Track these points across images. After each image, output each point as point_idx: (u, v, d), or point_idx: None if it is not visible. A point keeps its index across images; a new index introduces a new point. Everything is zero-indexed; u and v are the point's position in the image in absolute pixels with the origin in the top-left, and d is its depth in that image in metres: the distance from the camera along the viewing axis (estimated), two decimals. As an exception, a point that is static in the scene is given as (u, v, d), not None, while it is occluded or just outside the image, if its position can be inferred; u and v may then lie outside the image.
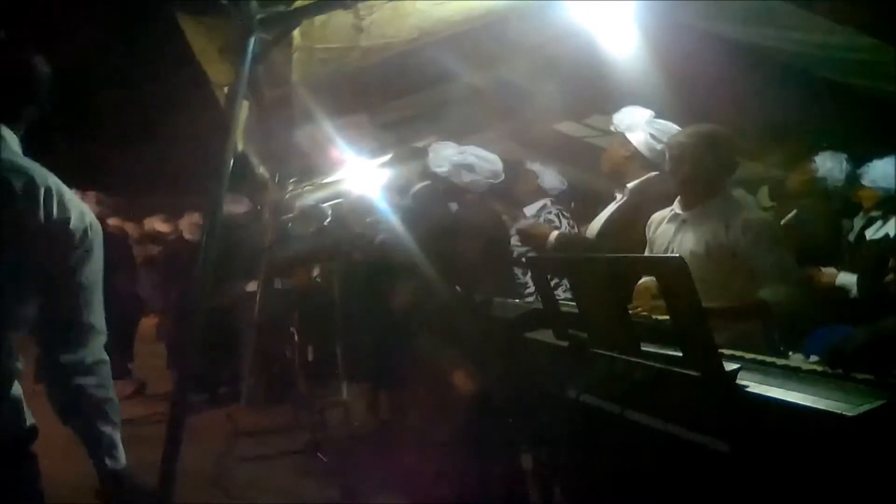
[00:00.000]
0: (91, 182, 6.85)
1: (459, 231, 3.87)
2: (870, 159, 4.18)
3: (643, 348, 1.93)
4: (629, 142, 3.45)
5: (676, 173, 2.90)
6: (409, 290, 3.88)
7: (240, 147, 3.32)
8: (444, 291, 3.50)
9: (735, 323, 2.65)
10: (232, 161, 2.72)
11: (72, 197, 1.78)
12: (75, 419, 1.86)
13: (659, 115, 3.52)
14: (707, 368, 1.66)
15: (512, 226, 4.49)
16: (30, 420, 1.86)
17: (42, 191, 1.70)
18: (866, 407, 1.42)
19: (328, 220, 6.87)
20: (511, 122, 5.61)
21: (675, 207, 2.97)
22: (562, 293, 3.53)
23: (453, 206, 4.16)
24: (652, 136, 3.40)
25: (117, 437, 1.91)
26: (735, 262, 2.73)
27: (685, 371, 1.72)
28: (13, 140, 1.78)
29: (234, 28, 2.75)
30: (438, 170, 4.07)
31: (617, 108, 3.58)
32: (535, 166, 4.66)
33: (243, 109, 2.96)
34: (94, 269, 1.82)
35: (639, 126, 3.43)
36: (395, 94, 4.35)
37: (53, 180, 1.74)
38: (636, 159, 3.45)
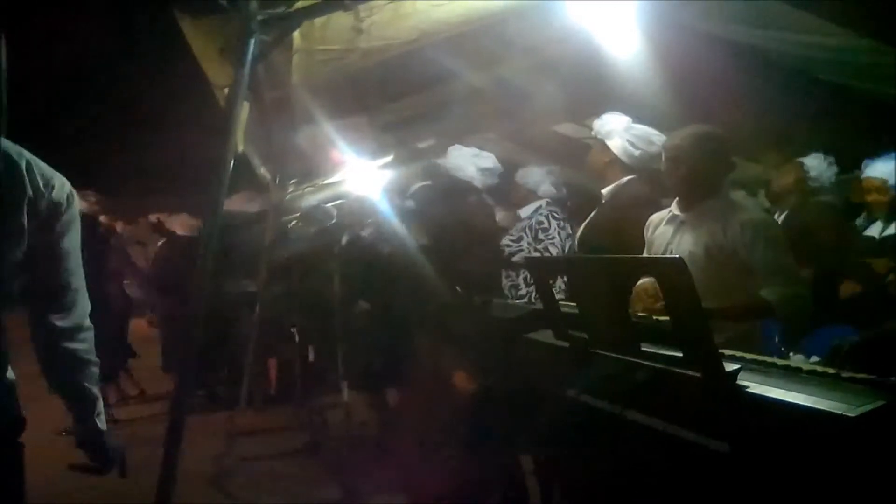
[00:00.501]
0: (89, 182, 6.84)
1: (460, 231, 3.88)
2: (869, 160, 4.19)
3: (643, 349, 1.93)
4: (608, 148, 3.50)
5: (673, 175, 2.91)
6: (409, 290, 3.88)
7: (240, 148, 3.32)
8: (444, 292, 3.50)
9: (735, 323, 2.65)
10: (232, 162, 2.73)
11: (48, 168, 1.83)
12: (65, 380, 1.95)
13: (658, 117, 3.54)
14: (707, 369, 1.66)
15: (505, 227, 4.51)
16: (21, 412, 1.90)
17: (24, 165, 1.76)
18: (867, 407, 1.42)
19: (333, 220, 6.87)
20: (510, 122, 5.62)
21: (674, 209, 2.98)
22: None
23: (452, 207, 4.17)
24: (629, 142, 3.45)
25: (100, 400, 2.03)
26: (734, 263, 2.73)
27: (685, 371, 1.72)
28: None
29: (234, 29, 2.75)
30: (461, 173, 4.13)
31: (616, 110, 3.59)
32: (531, 171, 4.65)
33: (243, 110, 2.95)
34: (76, 235, 1.89)
35: (616, 133, 3.48)
36: (395, 95, 4.35)
37: (28, 154, 1.80)
38: (616, 165, 3.51)
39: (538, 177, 4.56)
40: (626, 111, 3.63)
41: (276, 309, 6.30)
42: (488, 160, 4.25)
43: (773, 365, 1.88)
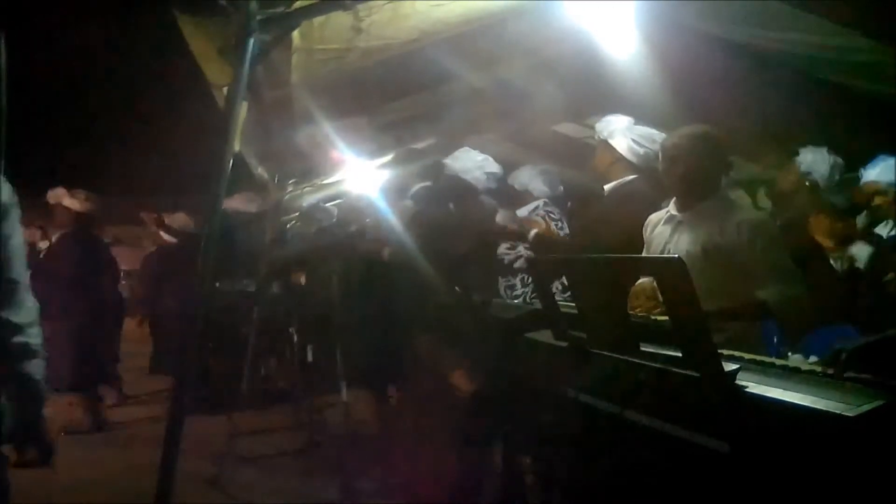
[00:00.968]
0: (84, 182, 6.84)
1: (459, 232, 3.89)
2: (869, 160, 4.19)
3: (642, 348, 1.93)
4: (613, 148, 3.52)
5: (670, 175, 2.91)
6: (408, 290, 3.89)
7: (237, 148, 3.32)
8: (443, 292, 3.51)
9: (733, 323, 2.65)
10: (231, 162, 2.73)
11: None
12: (15, 372, 1.98)
13: (658, 117, 3.54)
14: (706, 369, 1.66)
15: (504, 227, 4.51)
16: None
17: None
18: (865, 407, 1.42)
19: (332, 220, 6.88)
20: (510, 123, 5.61)
21: (672, 209, 2.98)
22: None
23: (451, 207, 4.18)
24: (634, 140, 3.47)
25: (45, 393, 2.08)
26: (732, 263, 2.73)
27: (684, 371, 1.72)
28: None
29: (234, 29, 2.75)
30: (467, 175, 4.15)
31: (616, 110, 3.60)
32: (522, 171, 4.65)
33: (242, 110, 2.95)
34: (19, 237, 1.98)
35: (620, 132, 3.49)
36: (395, 95, 4.35)
37: None
38: (621, 164, 3.52)
39: (528, 176, 4.56)
40: (625, 111, 3.65)
41: (275, 308, 6.31)
42: (493, 165, 4.29)
43: (772, 365, 1.89)
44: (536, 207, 4.46)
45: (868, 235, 4.14)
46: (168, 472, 2.60)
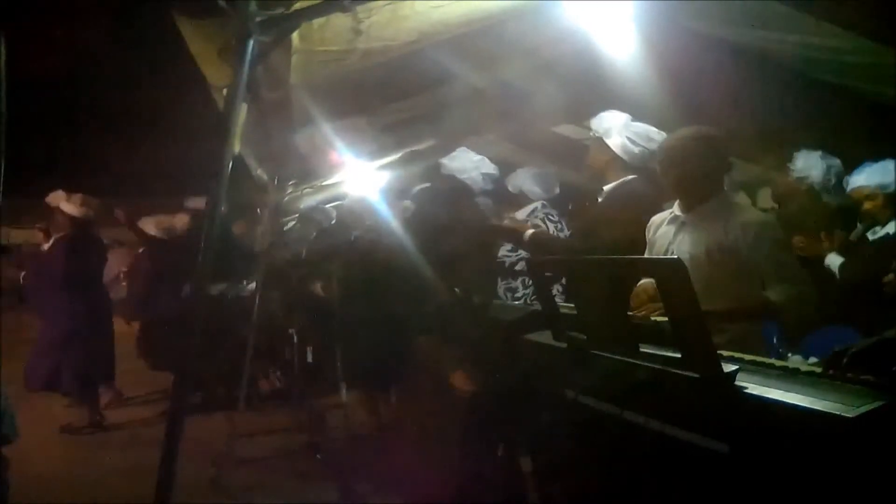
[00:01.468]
0: (87, 184, 6.84)
1: (457, 232, 3.89)
2: (868, 161, 4.19)
3: (642, 349, 1.93)
4: (608, 146, 3.50)
5: (669, 177, 2.91)
6: (408, 291, 3.89)
7: (236, 149, 3.32)
8: (442, 293, 3.51)
9: (737, 324, 2.65)
10: (231, 163, 2.73)
11: None
12: None
13: (658, 117, 3.54)
14: (706, 370, 1.66)
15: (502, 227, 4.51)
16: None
17: None
18: (865, 408, 1.42)
19: (332, 221, 6.88)
20: (510, 124, 5.61)
21: (675, 209, 2.98)
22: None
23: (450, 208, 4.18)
24: (629, 139, 3.45)
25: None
26: (735, 264, 2.73)
27: (684, 372, 1.72)
28: None
29: (233, 30, 2.75)
30: (463, 175, 4.14)
31: (615, 109, 3.59)
32: (518, 174, 4.66)
33: (242, 112, 2.95)
34: None
35: (615, 130, 3.48)
36: (394, 96, 4.35)
37: None
38: (615, 163, 3.51)
39: (523, 179, 4.57)
40: (625, 112, 3.64)
41: (274, 310, 6.31)
42: (490, 166, 4.28)
43: (772, 366, 1.89)
44: (535, 210, 4.46)
45: (859, 243, 4.16)
46: (167, 473, 2.60)
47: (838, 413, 1.41)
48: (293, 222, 7.87)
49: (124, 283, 8.47)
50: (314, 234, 7.12)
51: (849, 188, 4.21)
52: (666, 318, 1.82)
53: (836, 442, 1.40)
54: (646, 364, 1.87)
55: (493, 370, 2.95)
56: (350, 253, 5.22)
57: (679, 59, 3.77)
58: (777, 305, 2.64)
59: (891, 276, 3.69)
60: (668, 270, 1.75)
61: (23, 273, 6.51)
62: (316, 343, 6.28)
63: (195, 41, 3.48)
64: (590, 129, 3.69)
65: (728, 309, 2.62)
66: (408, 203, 4.37)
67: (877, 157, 4.15)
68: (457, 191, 4.13)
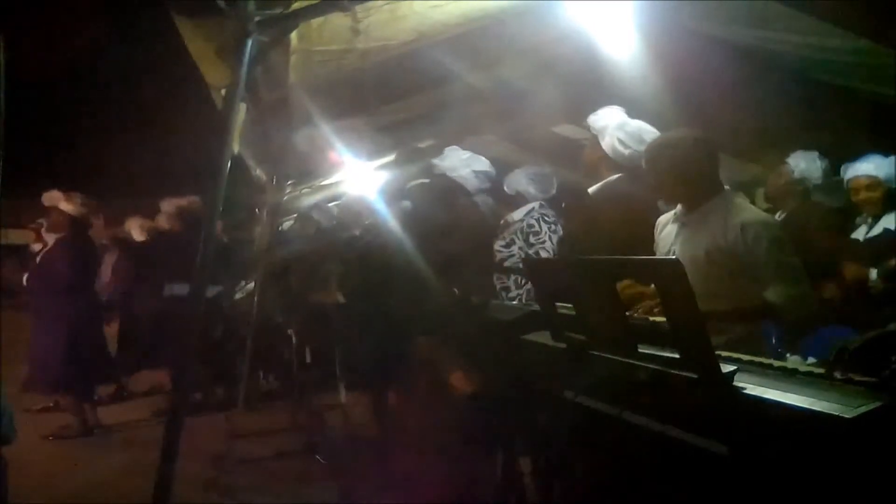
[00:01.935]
0: (86, 184, 6.83)
1: (453, 231, 3.89)
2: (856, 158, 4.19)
3: (640, 350, 1.92)
4: (600, 145, 3.49)
5: (657, 181, 2.92)
6: (406, 291, 3.88)
7: (235, 149, 3.32)
8: (441, 293, 3.50)
9: (738, 325, 2.65)
10: (229, 163, 2.73)
11: None
12: None
13: (657, 117, 3.52)
14: (704, 370, 1.66)
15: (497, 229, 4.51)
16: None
17: None
18: (863, 409, 1.42)
19: (331, 221, 6.88)
20: (509, 124, 5.62)
21: (679, 209, 2.98)
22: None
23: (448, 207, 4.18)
24: (620, 140, 3.42)
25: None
26: (735, 264, 2.72)
27: (682, 373, 1.72)
28: None
29: (232, 30, 2.75)
30: (455, 174, 4.13)
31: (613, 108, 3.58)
32: (513, 175, 4.65)
33: (241, 111, 2.95)
34: None
35: (608, 130, 3.46)
36: (393, 96, 4.35)
37: None
38: (607, 161, 3.49)
39: (518, 179, 4.56)
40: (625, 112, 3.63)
41: (273, 310, 6.31)
42: (482, 163, 4.24)
43: (770, 366, 1.88)
44: (531, 210, 4.46)
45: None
46: (166, 473, 2.60)
47: (837, 413, 1.40)
48: (291, 222, 7.88)
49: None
50: (313, 233, 7.12)
51: (847, 176, 4.18)
52: (664, 318, 1.82)
53: (835, 442, 1.40)
54: (644, 365, 1.87)
55: (492, 370, 2.95)
56: (348, 252, 5.22)
57: (679, 59, 3.77)
58: (776, 306, 2.63)
59: (877, 279, 3.70)
60: (667, 271, 1.74)
61: (25, 274, 6.49)
62: (314, 343, 6.28)
63: (194, 41, 3.48)
64: (588, 128, 3.67)
65: (727, 309, 2.61)
66: (406, 203, 4.36)
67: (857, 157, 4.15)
68: (450, 189, 4.12)
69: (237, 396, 6.35)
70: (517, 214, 4.51)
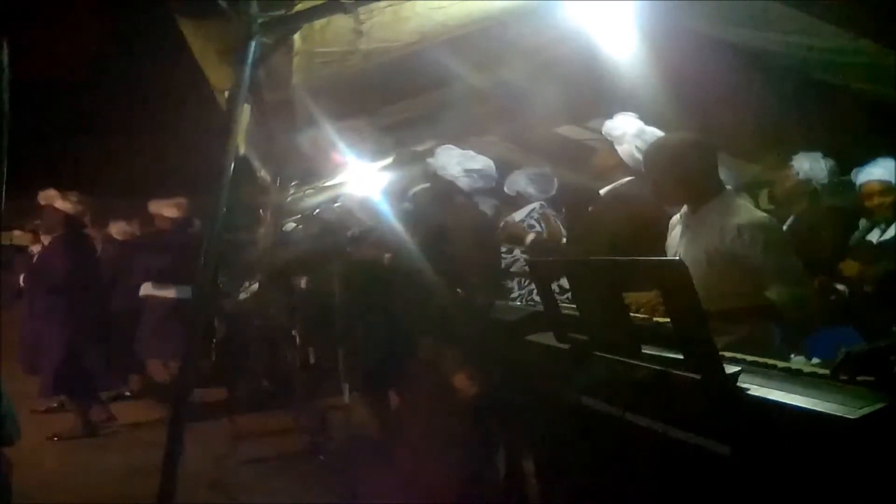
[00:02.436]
0: (87, 185, 6.84)
1: (457, 233, 3.89)
2: (868, 161, 4.18)
3: (644, 351, 1.93)
4: (616, 151, 3.51)
5: (652, 182, 2.94)
6: (410, 293, 3.89)
7: (241, 150, 3.33)
8: (444, 294, 3.50)
9: (740, 325, 2.65)
10: (233, 164, 2.73)
11: None
12: None
13: (658, 118, 3.53)
14: (708, 371, 1.66)
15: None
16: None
17: None
18: (867, 410, 1.42)
19: (335, 222, 6.87)
20: (511, 124, 5.61)
21: (684, 211, 2.99)
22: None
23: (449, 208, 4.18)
24: (637, 147, 3.45)
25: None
26: (734, 265, 2.72)
27: (686, 374, 1.72)
28: None
29: (235, 32, 2.75)
30: (444, 173, 4.12)
31: (617, 112, 3.59)
32: (514, 176, 4.65)
33: (244, 113, 2.96)
34: None
35: (626, 138, 3.48)
36: (396, 97, 4.35)
37: None
38: (622, 168, 3.51)
39: (518, 180, 4.57)
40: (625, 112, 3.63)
41: (277, 311, 6.31)
42: (478, 162, 4.21)
43: (774, 367, 1.89)
44: (532, 210, 4.47)
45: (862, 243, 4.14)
46: (170, 474, 2.61)
47: (841, 414, 1.41)
48: (295, 223, 7.88)
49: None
50: (316, 234, 7.12)
51: (860, 181, 4.17)
52: (668, 319, 1.82)
53: (839, 443, 1.40)
54: (648, 365, 1.87)
55: (496, 371, 2.95)
56: (352, 254, 5.22)
57: (680, 60, 3.77)
58: (776, 306, 2.64)
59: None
60: (670, 272, 1.75)
61: (22, 275, 6.49)
62: (318, 344, 6.28)
63: (197, 43, 3.48)
64: (592, 129, 3.68)
65: (730, 310, 2.61)
66: (408, 205, 4.37)
67: (877, 157, 4.13)
68: (448, 191, 4.12)
69: (240, 397, 6.37)
70: (518, 215, 4.52)
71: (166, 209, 6.96)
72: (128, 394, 7.27)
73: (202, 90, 3.80)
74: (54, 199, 6.11)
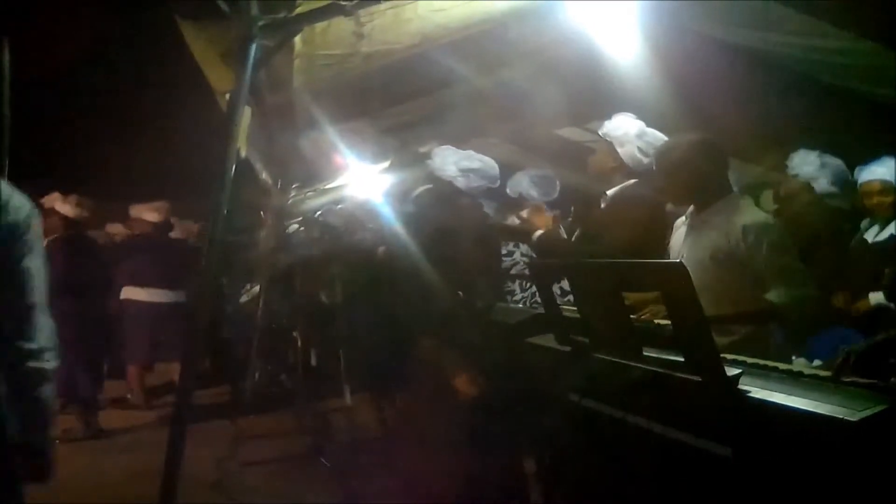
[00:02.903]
0: (89, 186, 6.84)
1: (460, 235, 3.88)
2: (869, 162, 4.17)
3: (645, 353, 1.93)
4: (616, 152, 3.49)
5: (662, 185, 2.94)
6: (411, 294, 3.88)
7: (243, 153, 3.33)
8: (446, 296, 3.50)
9: (743, 327, 2.65)
10: (234, 167, 2.74)
11: (6, 187, 1.84)
12: (28, 396, 1.91)
13: (660, 119, 3.52)
14: (709, 373, 1.66)
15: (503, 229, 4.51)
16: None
17: None
18: (868, 412, 1.42)
19: (335, 224, 6.87)
20: (512, 126, 5.62)
21: (689, 212, 2.99)
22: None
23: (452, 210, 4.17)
24: (640, 149, 3.43)
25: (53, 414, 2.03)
26: (738, 267, 2.72)
27: (687, 376, 1.72)
28: None
29: (236, 34, 2.76)
30: (443, 174, 4.11)
31: (617, 113, 3.59)
32: (516, 178, 4.64)
33: (245, 115, 2.96)
34: (38, 257, 1.89)
35: (628, 139, 3.46)
36: (397, 99, 4.36)
37: None
38: (622, 169, 3.50)
39: (519, 182, 4.56)
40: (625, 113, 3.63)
41: (278, 313, 6.31)
42: (476, 161, 4.20)
43: (775, 369, 1.88)
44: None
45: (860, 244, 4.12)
46: (171, 476, 2.61)
47: (841, 417, 1.41)
48: (297, 225, 7.88)
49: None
50: (318, 236, 7.12)
51: (861, 179, 4.15)
52: (669, 322, 1.82)
53: (840, 446, 1.40)
54: (649, 367, 1.87)
55: (497, 373, 2.95)
56: (354, 256, 5.22)
57: (681, 61, 3.77)
58: (778, 307, 2.63)
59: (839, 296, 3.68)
60: (671, 274, 1.74)
61: None
62: (320, 346, 6.28)
63: (198, 45, 3.49)
64: (593, 130, 3.68)
65: (732, 312, 2.61)
66: (410, 206, 4.36)
67: (877, 157, 4.12)
68: (454, 192, 4.11)
69: (242, 399, 6.36)
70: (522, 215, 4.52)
71: (147, 213, 6.96)
72: (129, 396, 7.26)
73: (203, 92, 3.80)
74: (54, 202, 6.12)
